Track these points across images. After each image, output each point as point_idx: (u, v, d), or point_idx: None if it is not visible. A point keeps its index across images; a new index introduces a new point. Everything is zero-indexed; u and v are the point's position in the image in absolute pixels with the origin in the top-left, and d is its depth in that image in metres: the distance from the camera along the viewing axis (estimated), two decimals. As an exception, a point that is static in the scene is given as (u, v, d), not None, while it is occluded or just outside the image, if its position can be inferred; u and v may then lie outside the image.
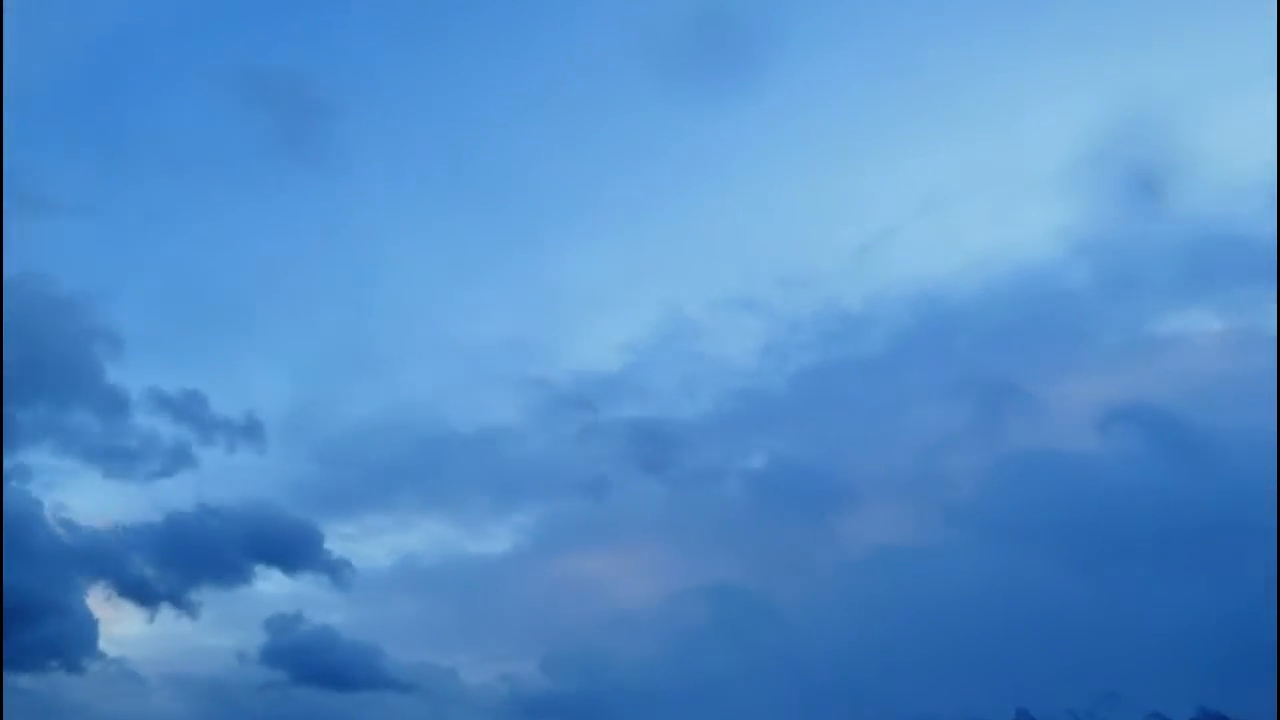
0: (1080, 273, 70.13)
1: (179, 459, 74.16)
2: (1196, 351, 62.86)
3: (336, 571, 68.88)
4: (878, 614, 59.75)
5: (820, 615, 60.00)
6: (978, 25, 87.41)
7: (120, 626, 65.80)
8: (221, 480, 71.53)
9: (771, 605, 61.66)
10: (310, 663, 65.29)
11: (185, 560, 67.80)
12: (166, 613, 68.31)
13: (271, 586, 69.31)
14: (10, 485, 64.11)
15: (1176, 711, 49.79)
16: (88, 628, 63.86)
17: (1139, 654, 49.27)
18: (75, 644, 63.35)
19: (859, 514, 64.57)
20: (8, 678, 59.96)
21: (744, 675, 58.05)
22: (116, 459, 75.64)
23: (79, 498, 70.67)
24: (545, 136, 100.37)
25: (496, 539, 70.76)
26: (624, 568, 67.74)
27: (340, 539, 69.46)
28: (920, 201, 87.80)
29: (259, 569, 69.26)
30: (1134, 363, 64.24)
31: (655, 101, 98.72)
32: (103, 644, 65.43)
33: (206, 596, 68.29)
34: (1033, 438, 64.50)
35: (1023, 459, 63.19)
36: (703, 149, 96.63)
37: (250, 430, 78.65)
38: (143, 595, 67.82)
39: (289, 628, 66.75)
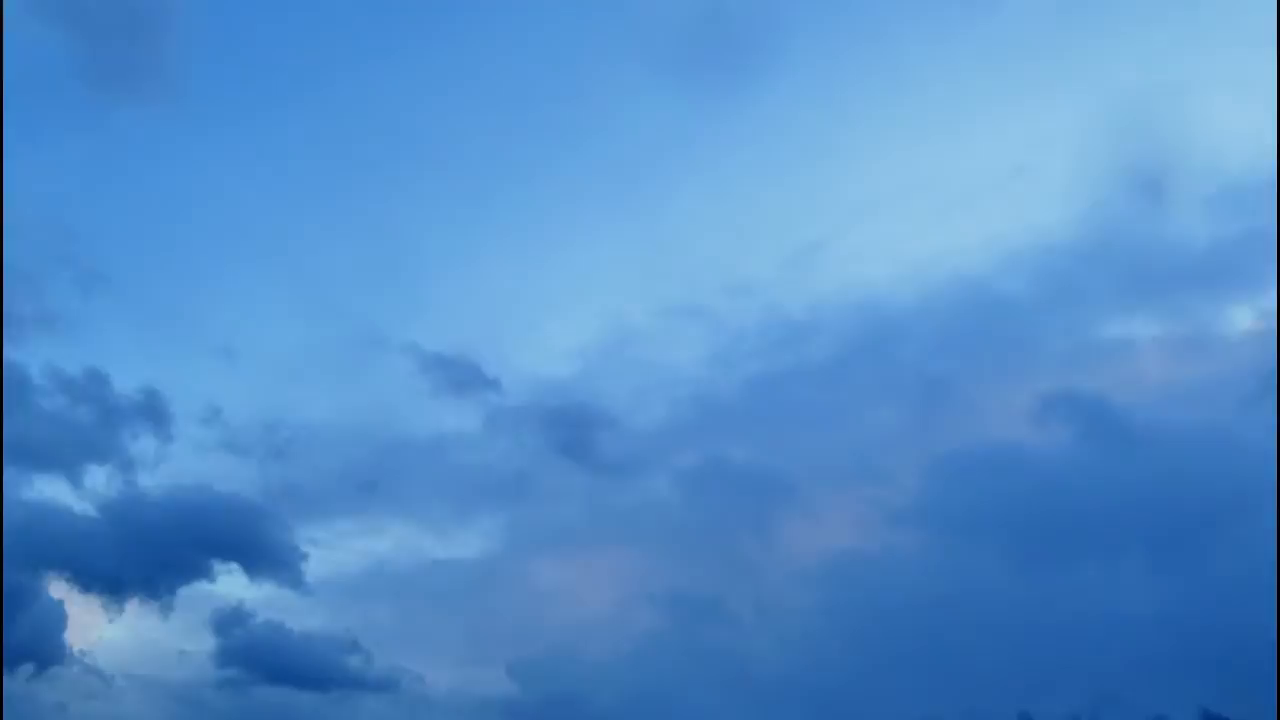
0: (1018, 280, 69.69)
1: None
2: (1140, 356, 62.88)
3: (296, 571, 66.07)
4: (848, 618, 59.41)
5: (785, 620, 59.92)
6: (915, 34, 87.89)
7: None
8: (173, 475, 67.50)
9: (733, 610, 61.65)
10: (273, 663, 63.56)
11: (138, 556, 63.60)
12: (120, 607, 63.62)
13: (233, 586, 66.12)
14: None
15: (1178, 713, 49.13)
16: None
17: (1139, 655, 49.03)
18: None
19: (820, 519, 64.60)
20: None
21: (711, 681, 58.18)
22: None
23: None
24: (493, 143, 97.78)
25: (463, 544, 69.61)
26: (586, 573, 67.50)
27: (305, 540, 66.06)
28: (856, 208, 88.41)
29: (218, 566, 65.90)
30: (1078, 367, 63.80)
31: (598, 107, 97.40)
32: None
33: (161, 594, 63.81)
34: (984, 440, 63.46)
35: (976, 460, 62.90)
36: (644, 157, 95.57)
37: (208, 421, 73.54)
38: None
39: (249, 627, 64.63)
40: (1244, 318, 62.23)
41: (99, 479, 67.09)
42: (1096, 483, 59.04)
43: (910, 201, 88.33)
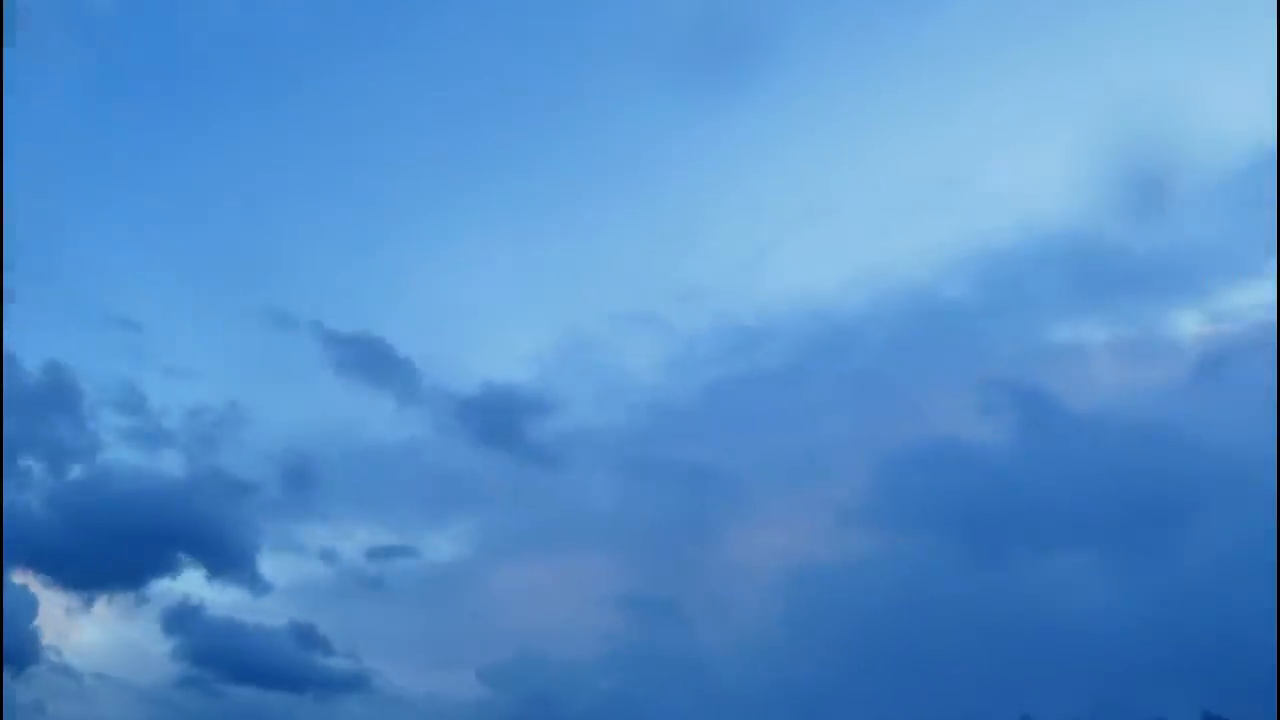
0: (962, 286, 70.61)
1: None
2: (1088, 358, 64.23)
3: (253, 570, 64.97)
4: (817, 621, 59.44)
5: (752, 623, 59.98)
6: (860, 40, 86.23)
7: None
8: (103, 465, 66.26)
9: (701, 615, 61.47)
10: (239, 662, 62.40)
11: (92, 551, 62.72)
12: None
13: (191, 584, 64.60)
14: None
15: (1180, 716, 48.88)
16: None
17: (1140, 657, 48.75)
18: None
19: (785, 523, 64.59)
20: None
21: (680, 686, 58.10)
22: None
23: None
24: (444, 149, 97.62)
25: (434, 549, 69.30)
26: (547, 577, 67.31)
27: (257, 536, 66.48)
28: (801, 214, 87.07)
29: (174, 564, 64.51)
30: (1029, 368, 64.58)
31: (551, 117, 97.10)
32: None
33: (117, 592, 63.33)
34: (938, 441, 64.05)
35: (932, 461, 63.51)
36: (593, 162, 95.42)
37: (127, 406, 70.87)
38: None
39: (209, 626, 63.44)
40: (1190, 321, 64.26)
41: (34, 469, 64.46)
42: (1050, 480, 60.29)
43: (855, 208, 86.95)
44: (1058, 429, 61.75)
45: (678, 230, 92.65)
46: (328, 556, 68.08)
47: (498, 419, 74.02)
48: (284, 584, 65.83)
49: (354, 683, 62.06)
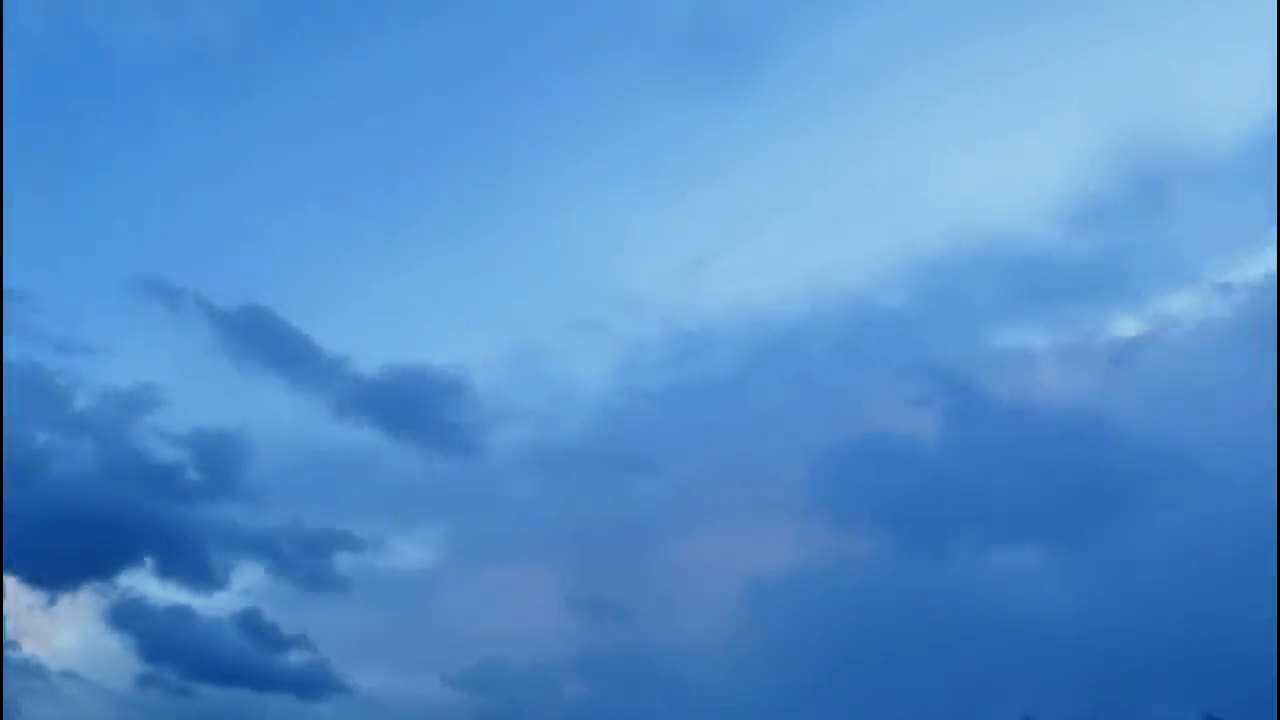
0: (901, 293, 71.20)
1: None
2: (1029, 362, 64.92)
3: (208, 568, 63.66)
4: (786, 629, 60.25)
5: (716, 628, 61.09)
6: (793, 50, 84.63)
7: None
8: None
9: (657, 620, 62.25)
10: (205, 661, 61.30)
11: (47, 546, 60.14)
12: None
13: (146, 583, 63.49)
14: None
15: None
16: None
17: (1141, 659, 50.23)
18: None
19: (748, 530, 65.37)
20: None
21: (648, 693, 58.78)
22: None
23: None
24: (389, 156, 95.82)
25: (401, 554, 70.54)
26: (520, 584, 68.01)
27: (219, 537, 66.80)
28: (741, 221, 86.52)
29: (133, 561, 63.04)
30: (972, 373, 64.88)
31: (489, 120, 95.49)
32: None
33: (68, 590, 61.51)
34: (882, 443, 64.95)
35: (881, 464, 64.55)
36: (535, 166, 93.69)
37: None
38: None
39: (180, 625, 62.16)
40: (1129, 326, 65.33)
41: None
42: (994, 475, 60.96)
43: (793, 216, 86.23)
44: (999, 427, 62.66)
45: (621, 236, 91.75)
46: (270, 549, 66.20)
47: (444, 425, 73.57)
48: (234, 578, 64.90)
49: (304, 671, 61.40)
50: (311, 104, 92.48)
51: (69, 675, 60.53)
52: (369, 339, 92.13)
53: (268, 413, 72.17)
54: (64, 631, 62.67)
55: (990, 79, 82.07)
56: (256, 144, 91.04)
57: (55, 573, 61.28)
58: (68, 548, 61.13)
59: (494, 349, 79.95)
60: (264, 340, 75.32)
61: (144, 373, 71.96)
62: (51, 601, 60.99)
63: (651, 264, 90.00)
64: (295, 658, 61.73)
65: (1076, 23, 76.45)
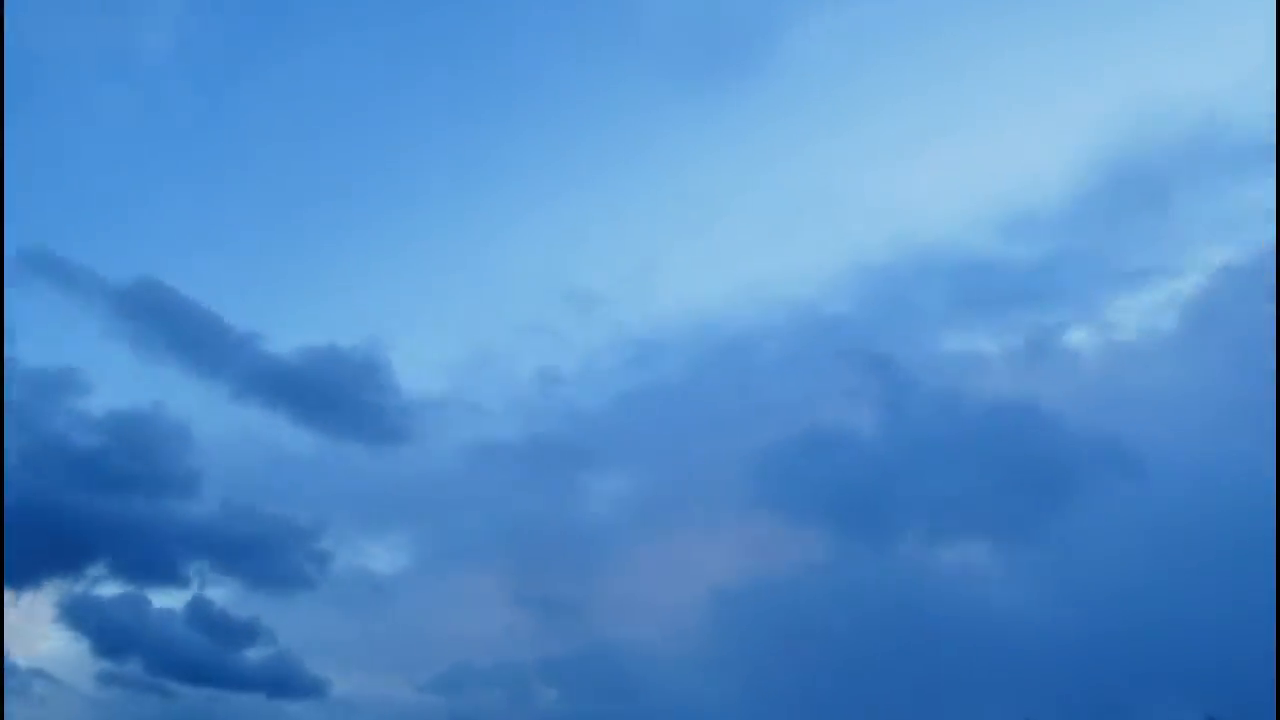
0: (848, 299, 71.75)
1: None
2: (979, 366, 65.27)
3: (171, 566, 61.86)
4: (751, 636, 60.08)
5: (681, 632, 60.58)
6: (746, 56, 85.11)
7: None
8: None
9: (616, 624, 62.46)
10: (175, 659, 59.75)
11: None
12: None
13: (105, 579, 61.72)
14: None
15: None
16: None
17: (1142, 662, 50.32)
18: None
19: (711, 536, 65.40)
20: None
21: (614, 695, 58.58)
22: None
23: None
24: (342, 161, 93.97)
25: (374, 557, 69.10)
26: (483, 590, 67.47)
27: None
28: (689, 225, 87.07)
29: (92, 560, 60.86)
30: (923, 377, 65.50)
31: (433, 125, 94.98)
32: None
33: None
34: (833, 446, 65.66)
35: (831, 468, 65.06)
36: (479, 168, 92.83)
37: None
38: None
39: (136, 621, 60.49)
40: (1078, 334, 66.08)
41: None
42: (939, 475, 61.45)
43: (742, 220, 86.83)
44: (943, 424, 63.21)
45: (573, 240, 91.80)
46: (213, 541, 63.65)
47: (420, 432, 72.35)
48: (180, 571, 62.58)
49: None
50: (249, 85, 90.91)
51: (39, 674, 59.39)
52: (289, 319, 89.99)
53: (183, 395, 69.57)
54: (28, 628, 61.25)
55: (935, 87, 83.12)
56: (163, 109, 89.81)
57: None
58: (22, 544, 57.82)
59: (452, 352, 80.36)
60: (165, 317, 71.32)
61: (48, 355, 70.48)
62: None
63: (603, 266, 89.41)
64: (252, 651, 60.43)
65: (1023, 32, 78.28)
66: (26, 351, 67.74)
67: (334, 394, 70.51)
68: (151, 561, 62.04)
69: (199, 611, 61.29)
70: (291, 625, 60.98)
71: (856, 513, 61.81)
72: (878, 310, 70.99)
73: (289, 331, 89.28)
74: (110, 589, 61.29)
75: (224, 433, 68.30)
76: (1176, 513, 53.20)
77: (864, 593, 58.24)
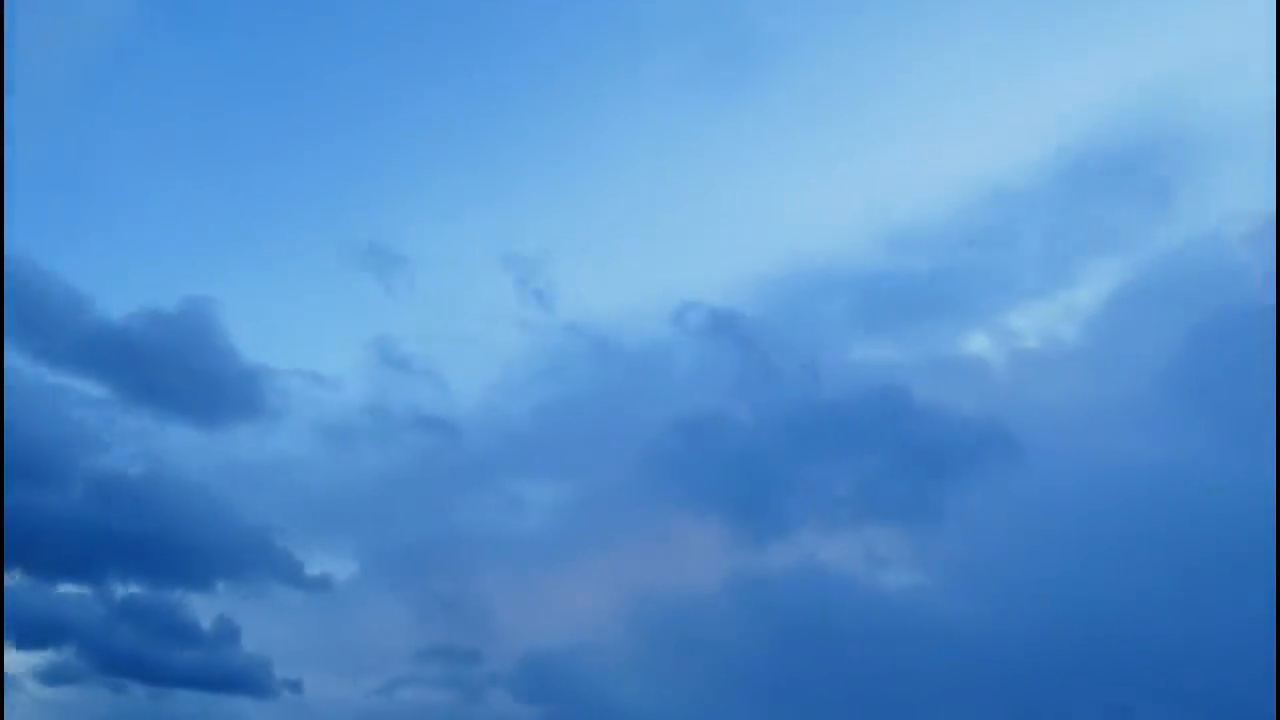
0: (752, 309, 70.64)
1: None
2: (885, 372, 64.64)
3: None
4: (696, 647, 59.60)
5: (628, 646, 60.20)
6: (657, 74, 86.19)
7: None
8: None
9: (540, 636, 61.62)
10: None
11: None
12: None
13: None
14: None
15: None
16: None
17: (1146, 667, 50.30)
18: None
19: (631, 548, 64.98)
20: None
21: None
22: None
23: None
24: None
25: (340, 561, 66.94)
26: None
27: None
28: (592, 238, 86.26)
29: None
30: (828, 384, 65.29)
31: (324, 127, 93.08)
32: None
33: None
34: (752, 455, 65.00)
35: (728, 468, 65.21)
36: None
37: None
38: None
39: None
40: (979, 342, 66.11)
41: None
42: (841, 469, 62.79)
43: (647, 232, 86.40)
44: (852, 430, 63.85)
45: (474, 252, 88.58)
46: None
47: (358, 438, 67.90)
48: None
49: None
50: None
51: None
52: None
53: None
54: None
55: (838, 101, 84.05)
56: None
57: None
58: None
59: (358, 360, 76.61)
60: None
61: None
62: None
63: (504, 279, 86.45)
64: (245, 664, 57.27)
65: (919, 49, 79.04)
66: None
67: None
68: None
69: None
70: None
71: (758, 509, 61.97)
72: (782, 319, 71.30)
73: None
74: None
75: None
76: (1058, 497, 55.37)
77: (773, 587, 58.27)
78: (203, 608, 57.74)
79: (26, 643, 55.92)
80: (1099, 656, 50.69)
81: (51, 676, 56.32)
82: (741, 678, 56.56)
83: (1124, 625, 50.67)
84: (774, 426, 64.61)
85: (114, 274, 75.73)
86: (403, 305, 72.35)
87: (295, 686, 56.20)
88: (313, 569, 60.07)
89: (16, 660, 55.94)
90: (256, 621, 57.46)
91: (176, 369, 60.96)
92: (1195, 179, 63.40)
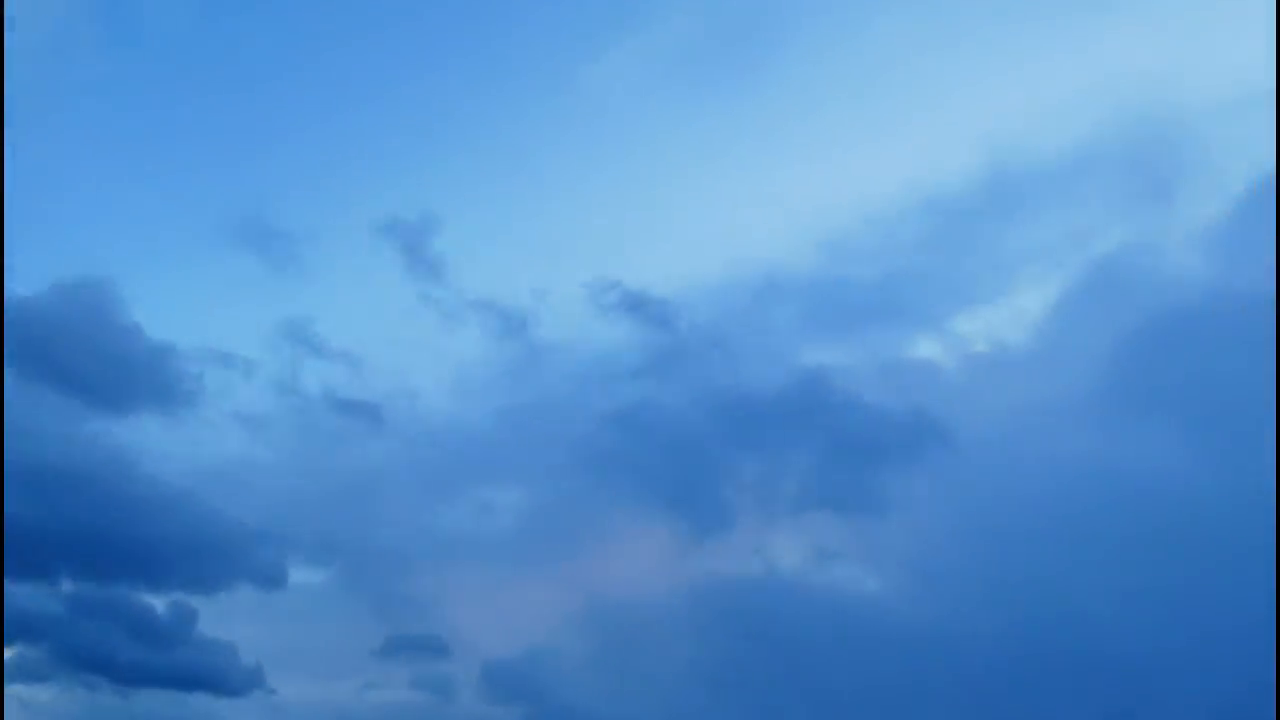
0: (697, 314, 68.98)
1: None
2: (836, 376, 63.73)
3: None
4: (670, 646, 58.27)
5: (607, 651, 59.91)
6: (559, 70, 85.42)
7: None
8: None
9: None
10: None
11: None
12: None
13: None
14: None
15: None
16: None
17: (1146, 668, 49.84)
18: None
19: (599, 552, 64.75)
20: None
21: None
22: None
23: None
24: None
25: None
26: None
27: None
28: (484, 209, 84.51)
29: None
30: (781, 390, 64.32)
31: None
32: None
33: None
34: (695, 455, 64.21)
35: (668, 464, 64.04)
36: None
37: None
38: None
39: None
40: (930, 347, 65.95)
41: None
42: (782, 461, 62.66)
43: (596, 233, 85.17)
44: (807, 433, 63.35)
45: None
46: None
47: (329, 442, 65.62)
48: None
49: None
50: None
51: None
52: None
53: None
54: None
55: (786, 105, 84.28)
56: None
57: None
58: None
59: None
60: None
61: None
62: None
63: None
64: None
65: (865, 58, 77.41)
66: None
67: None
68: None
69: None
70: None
71: (700, 503, 61.49)
72: (728, 327, 71.14)
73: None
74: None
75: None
76: (996, 489, 56.50)
77: (728, 585, 58.39)
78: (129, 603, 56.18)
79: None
80: (1046, 654, 51.45)
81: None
82: (697, 678, 56.26)
83: (1065, 622, 51.62)
84: (709, 418, 64.13)
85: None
86: (294, 283, 69.11)
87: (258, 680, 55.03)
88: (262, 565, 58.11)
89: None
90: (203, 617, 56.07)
91: (80, 348, 57.22)
92: (1136, 184, 64.88)
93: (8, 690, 53.02)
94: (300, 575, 59.75)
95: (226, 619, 55.95)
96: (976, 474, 56.87)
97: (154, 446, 57.76)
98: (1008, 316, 65.10)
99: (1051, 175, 66.77)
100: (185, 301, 71.70)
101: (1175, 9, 68.85)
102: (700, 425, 63.94)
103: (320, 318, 66.12)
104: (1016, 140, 66.71)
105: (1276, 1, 51.01)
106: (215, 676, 54.22)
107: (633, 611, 59.13)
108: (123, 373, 58.11)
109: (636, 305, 68.64)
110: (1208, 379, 54.75)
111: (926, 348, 66.04)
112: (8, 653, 53.25)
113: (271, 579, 57.08)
